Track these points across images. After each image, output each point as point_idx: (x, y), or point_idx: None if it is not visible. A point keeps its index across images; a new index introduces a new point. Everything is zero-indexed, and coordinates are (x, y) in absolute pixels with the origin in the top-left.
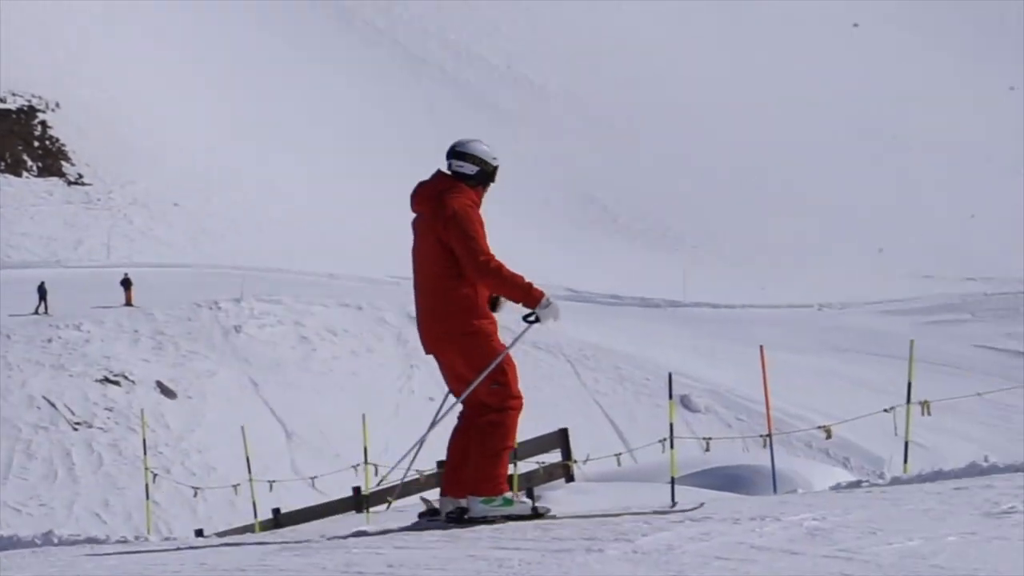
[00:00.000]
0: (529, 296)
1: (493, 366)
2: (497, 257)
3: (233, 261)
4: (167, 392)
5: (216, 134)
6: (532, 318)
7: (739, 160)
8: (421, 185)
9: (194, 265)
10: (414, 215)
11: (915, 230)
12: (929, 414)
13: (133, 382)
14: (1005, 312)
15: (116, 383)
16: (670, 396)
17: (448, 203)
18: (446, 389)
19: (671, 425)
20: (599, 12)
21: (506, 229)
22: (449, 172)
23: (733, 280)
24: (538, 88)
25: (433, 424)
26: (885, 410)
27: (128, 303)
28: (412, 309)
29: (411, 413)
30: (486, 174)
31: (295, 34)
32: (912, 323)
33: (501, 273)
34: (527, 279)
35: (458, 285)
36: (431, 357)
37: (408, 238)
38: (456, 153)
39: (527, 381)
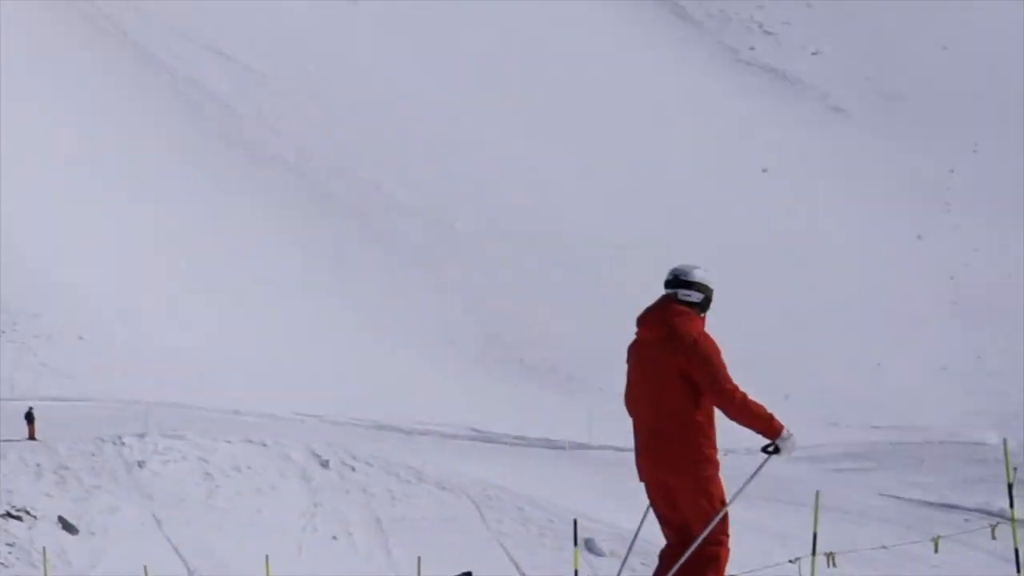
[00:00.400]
0: (770, 427)
1: (730, 502)
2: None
3: (138, 396)
4: (69, 528)
5: (123, 269)
6: (771, 449)
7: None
8: (649, 311)
9: (98, 399)
10: (635, 340)
11: (821, 377)
12: (834, 565)
13: (35, 517)
14: (910, 461)
15: (18, 518)
16: (575, 543)
17: (686, 332)
18: (648, 512)
19: (576, 572)
20: (515, 157)
21: (411, 366)
22: (676, 299)
23: None
24: (446, 226)
25: (632, 544)
26: (791, 561)
27: (31, 437)
28: (316, 447)
29: (314, 553)
30: (708, 300)
31: (205, 168)
32: (817, 471)
33: (746, 403)
34: (768, 409)
35: (694, 413)
36: (341, 496)
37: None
38: (682, 282)
39: (429, 523)
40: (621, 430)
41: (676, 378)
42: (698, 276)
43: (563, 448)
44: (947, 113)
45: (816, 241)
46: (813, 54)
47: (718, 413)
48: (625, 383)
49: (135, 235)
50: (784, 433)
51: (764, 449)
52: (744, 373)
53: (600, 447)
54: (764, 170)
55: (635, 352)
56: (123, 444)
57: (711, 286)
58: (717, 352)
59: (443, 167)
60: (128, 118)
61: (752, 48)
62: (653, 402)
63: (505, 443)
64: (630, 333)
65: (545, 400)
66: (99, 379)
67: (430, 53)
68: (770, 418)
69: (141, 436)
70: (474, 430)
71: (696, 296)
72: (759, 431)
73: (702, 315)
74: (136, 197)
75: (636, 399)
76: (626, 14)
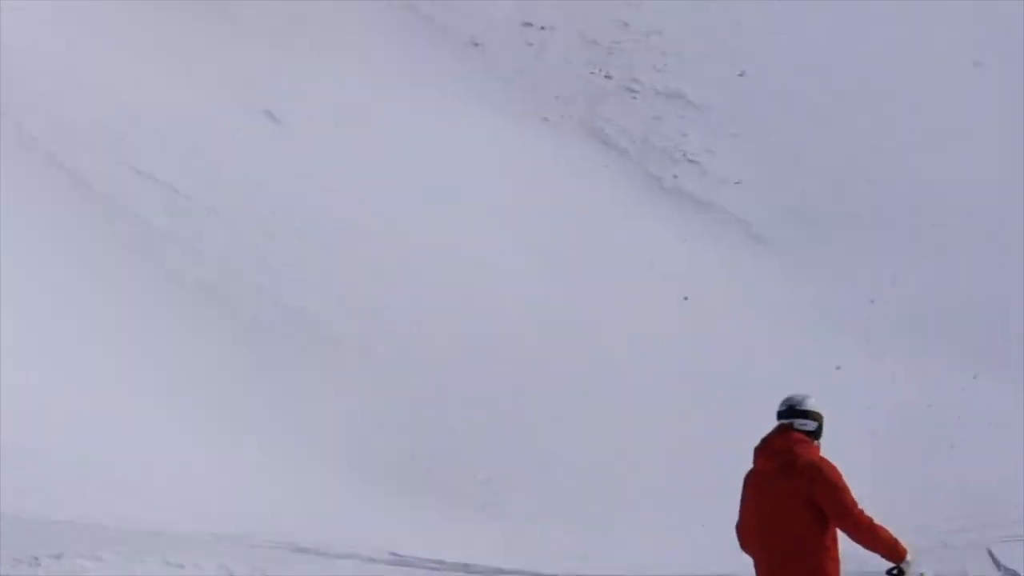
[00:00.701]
0: (895, 552)
1: None
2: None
3: (56, 515)
4: None
5: (40, 388)
6: (895, 572)
7: (567, 441)
8: (767, 441)
9: (16, 518)
10: (753, 471)
11: (737, 511)
12: None
13: None
14: None
15: None
16: None
17: (811, 460)
18: None
19: None
20: (424, 281)
21: (326, 486)
22: (793, 428)
23: (558, 546)
24: (363, 345)
25: None
26: None
27: None
28: (234, 568)
29: None
30: (821, 428)
31: (122, 289)
32: None
33: (873, 527)
34: (894, 534)
35: (821, 538)
36: None
37: None
38: (798, 411)
39: None
40: (540, 553)
41: (800, 506)
42: (811, 405)
43: (480, 573)
44: (868, 244)
45: (734, 370)
46: (736, 183)
47: (841, 535)
48: (739, 514)
49: (53, 353)
50: (908, 557)
51: (888, 572)
52: (669, 496)
53: (516, 572)
54: (685, 298)
55: (753, 483)
56: (39, 564)
57: (822, 414)
58: (840, 476)
59: (375, 299)
60: (41, 232)
61: (675, 176)
62: (777, 531)
63: (424, 567)
64: (554, 457)
65: (463, 522)
66: (17, 497)
67: (360, 171)
68: (895, 542)
69: (58, 557)
70: (392, 554)
71: (811, 425)
72: (883, 555)
73: (816, 442)
74: (56, 313)
75: (756, 528)
76: (549, 138)
